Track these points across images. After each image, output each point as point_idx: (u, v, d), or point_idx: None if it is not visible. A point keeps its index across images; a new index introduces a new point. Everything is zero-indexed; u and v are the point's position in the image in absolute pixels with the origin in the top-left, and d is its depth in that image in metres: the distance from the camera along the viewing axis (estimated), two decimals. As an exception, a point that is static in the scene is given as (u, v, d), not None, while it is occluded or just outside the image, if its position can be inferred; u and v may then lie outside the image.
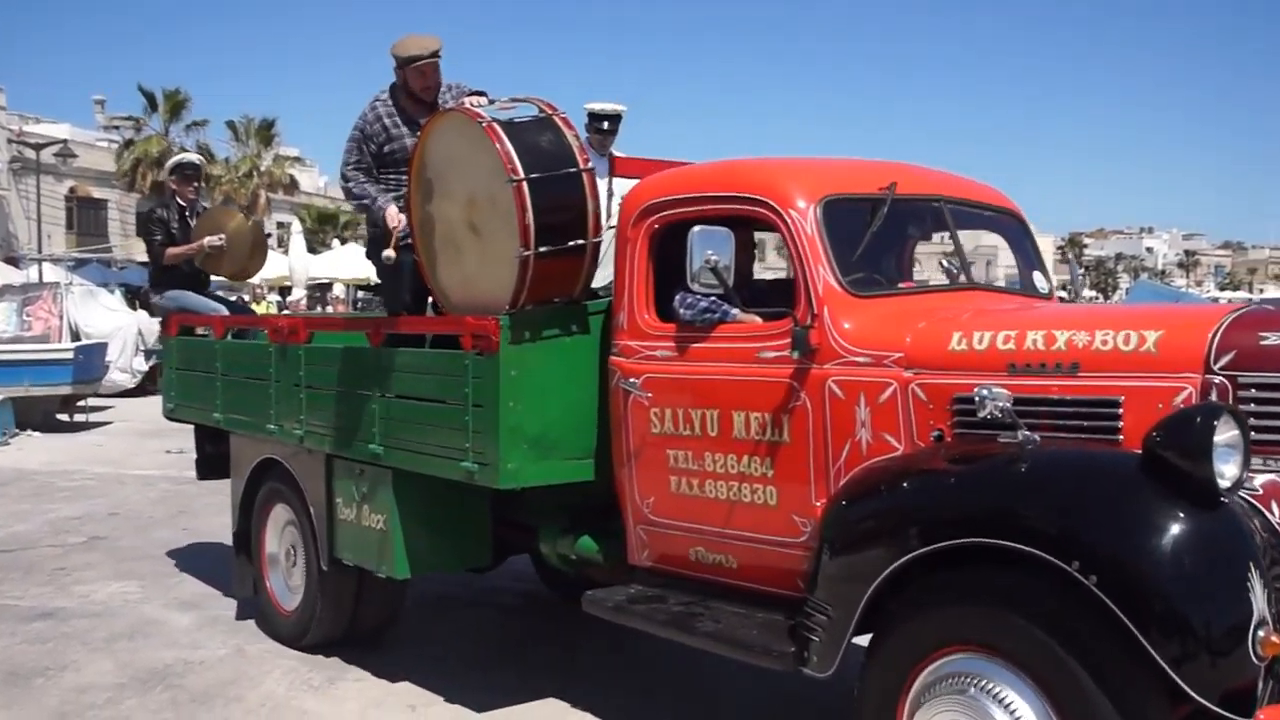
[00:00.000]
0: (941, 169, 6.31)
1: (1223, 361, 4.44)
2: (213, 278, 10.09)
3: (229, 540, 10.26)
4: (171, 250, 9.53)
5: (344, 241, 48.22)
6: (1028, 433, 4.49)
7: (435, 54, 7.10)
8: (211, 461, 9.28)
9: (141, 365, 24.74)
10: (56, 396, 20.99)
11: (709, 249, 5.16)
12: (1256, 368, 4.43)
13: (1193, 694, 3.86)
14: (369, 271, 39.80)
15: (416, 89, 7.19)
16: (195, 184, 10.12)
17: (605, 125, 8.13)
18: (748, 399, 5.43)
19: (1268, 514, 4.34)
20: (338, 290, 43.56)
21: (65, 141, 42.70)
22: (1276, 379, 4.43)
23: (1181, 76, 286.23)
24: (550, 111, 6.19)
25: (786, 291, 5.85)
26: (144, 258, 45.03)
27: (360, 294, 44.63)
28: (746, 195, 5.59)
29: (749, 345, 5.46)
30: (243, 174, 48.88)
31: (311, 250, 40.96)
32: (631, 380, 5.83)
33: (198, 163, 10.55)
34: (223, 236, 9.41)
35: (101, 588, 9.54)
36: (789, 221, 5.38)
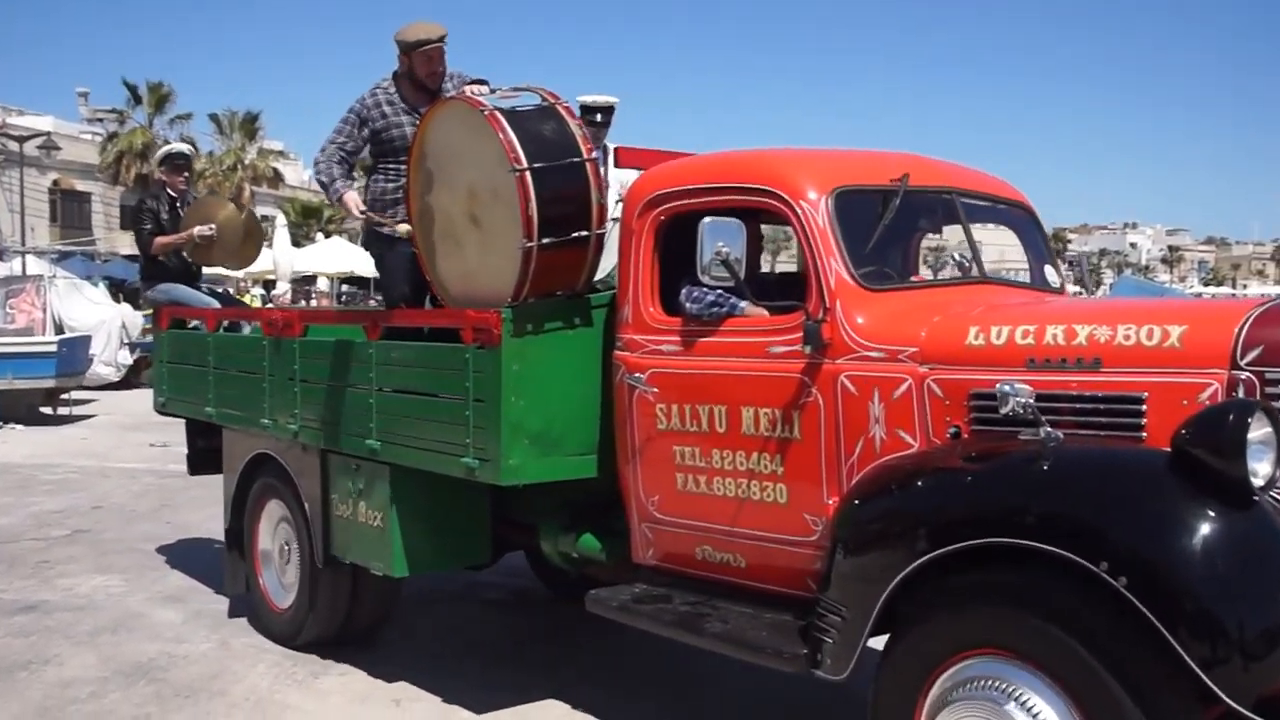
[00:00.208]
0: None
1: (1250, 357, 4.32)
2: (204, 270, 9.94)
3: (213, 534, 10.41)
4: (160, 240, 9.39)
5: (328, 235, 48.00)
6: (1050, 429, 4.37)
7: (442, 39, 6.96)
8: (203, 456, 9.12)
9: (125, 358, 24.70)
10: (40, 389, 20.92)
11: (720, 240, 5.04)
12: None
13: (1225, 698, 3.75)
14: (353, 265, 40.00)
15: (422, 74, 7.04)
16: (185, 174, 9.97)
17: (599, 118, 8.00)
18: (757, 394, 5.31)
19: None
20: (322, 284, 43.33)
21: (49, 134, 42.42)
22: None
23: (1166, 71, 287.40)
24: (553, 100, 6.06)
25: (792, 285, 5.75)
26: (128, 250, 45.11)
27: (345, 287, 44.48)
28: (755, 186, 5.47)
29: (758, 340, 5.34)
30: (226, 167, 48.69)
31: (296, 244, 40.72)
32: (636, 375, 5.71)
33: (188, 153, 10.40)
34: (213, 226, 9.29)
35: (85, 581, 9.48)
36: (800, 213, 5.27)
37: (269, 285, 38.49)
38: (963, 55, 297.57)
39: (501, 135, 5.75)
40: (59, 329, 21.68)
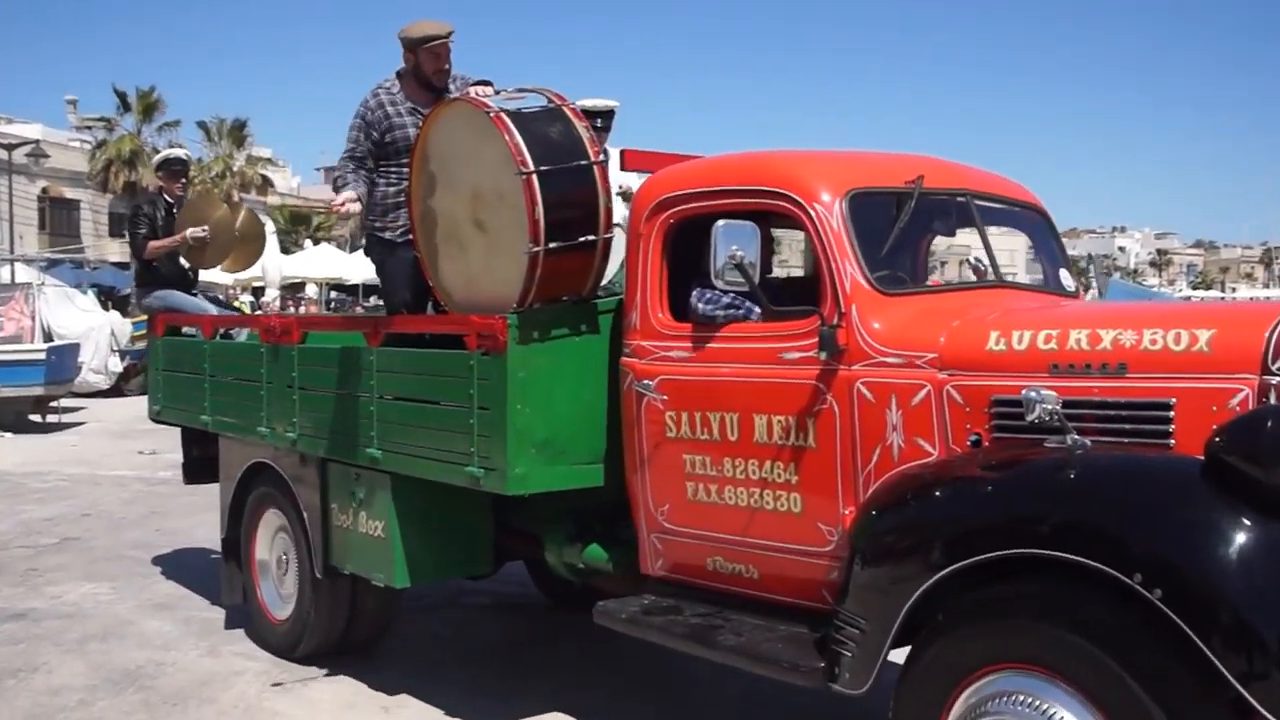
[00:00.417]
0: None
1: None
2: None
3: (202, 542, 10.62)
4: (153, 244, 9.28)
5: (316, 242, 47.91)
6: (1077, 437, 4.26)
7: (449, 35, 6.83)
8: (199, 465, 9.00)
9: (115, 366, 24.79)
10: (29, 397, 20.87)
11: (734, 244, 4.92)
12: None
13: (1265, 712, 3.63)
14: (341, 271, 39.92)
15: (429, 72, 6.91)
16: (183, 180, 9.86)
17: (598, 123, 7.88)
18: (770, 402, 5.19)
19: None
20: (310, 290, 43.26)
21: (38, 142, 42.24)
22: None
23: (1154, 75, 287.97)
24: (559, 102, 5.94)
25: (799, 290, 5.64)
26: (117, 258, 45.00)
27: (333, 294, 44.38)
28: (767, 189, 5.35)
29: (771, 346, 5.22)
30: (215, 174, 48.53)
31: (285, 251, 40.68)
32: (645, 382, 5.59)
33: (185, 158, 10.29)
34: (206, 228, 9.17)
35: (74, 589, 9.45)
36: (813, 216, 5.15)
37: (258, 292, 38.37)
38: (950, 57, 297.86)
39: (508, 137, 5.63)
40: (48, 336, 21.69)
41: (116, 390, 25.32)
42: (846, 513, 4.92)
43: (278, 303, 37.67)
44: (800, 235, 6.30)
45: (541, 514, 6.45)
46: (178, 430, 9.43)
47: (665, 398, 5.52)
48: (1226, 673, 3.64)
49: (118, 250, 47.80)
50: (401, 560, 6.46)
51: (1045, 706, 4.01)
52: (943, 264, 5.96)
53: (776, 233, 6.47)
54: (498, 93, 6.14)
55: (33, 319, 21.73)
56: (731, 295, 5.38)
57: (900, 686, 4.51)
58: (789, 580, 5.21)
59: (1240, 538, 3.76)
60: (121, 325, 26.00)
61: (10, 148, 40.11)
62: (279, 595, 7.75)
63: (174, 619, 8.54)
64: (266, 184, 53.65)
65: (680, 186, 5.66)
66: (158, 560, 10.45)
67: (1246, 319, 4.50)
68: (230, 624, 8.37)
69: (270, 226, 35.91)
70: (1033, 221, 6.19)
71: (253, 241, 9.85)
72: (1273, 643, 3.64)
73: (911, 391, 4.82)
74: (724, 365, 5.36)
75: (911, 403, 4.81)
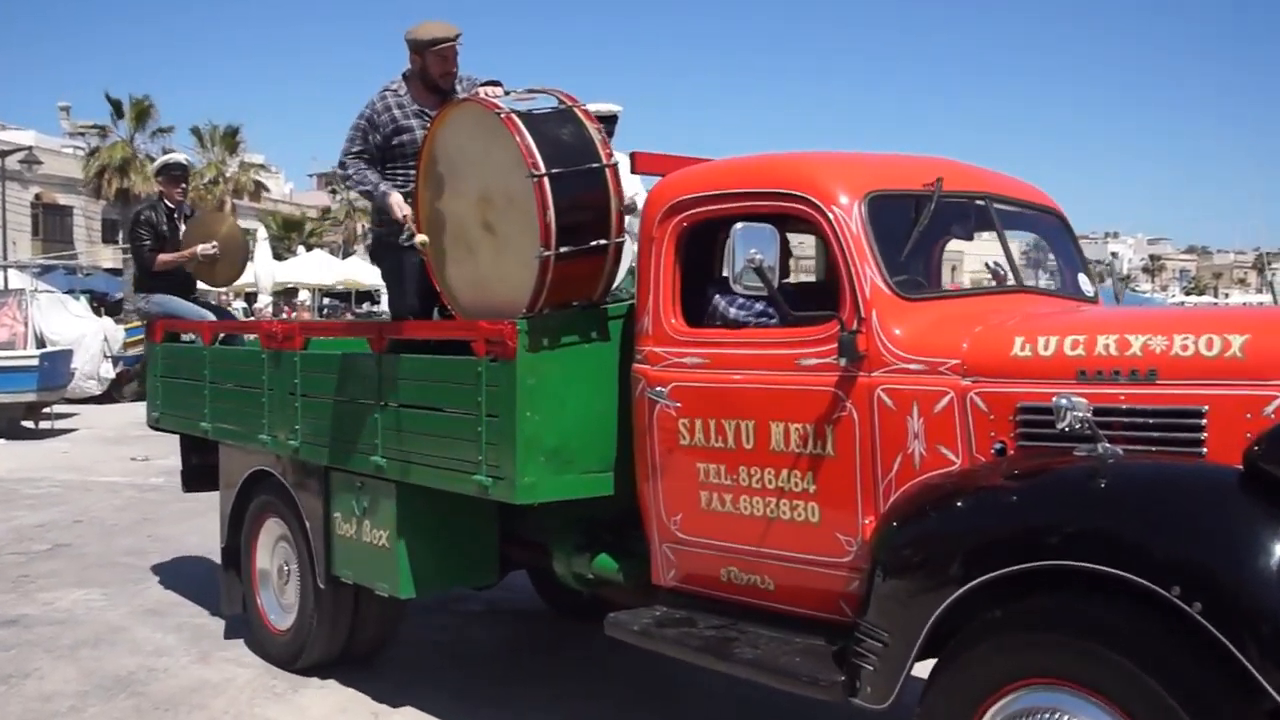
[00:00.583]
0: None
1: None
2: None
3: (194, 548, 10.76)
4: (163, 257, 9.19)
5: (309, 248, 47.79)
6: (1108, 445, 4.15)
7: (457, 38, 6.70)
8: (198, 473, 8.91)
9: (107, 372, 24.71)
10: (21, 403, 20.81)
11: (753, 247, 4.80)
12: None
13: None
14: (334, 278, 39.80)
15: (435, 75, 6.76)
16: (182, 185, 9.74)
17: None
18: (787, 409, 5.07)
19: None
20: (303, 296, 43.10)
21: (30, 148, 42.11)
22: None
23: (1147, 80, 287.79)
24: (570, 103, 5.83)
25: (812, 296, 5.53)
26: (110, 264, 44.73)
27: (326, 300, 44.23)
28: (784, 191, 5.23)
29: (788, 352, 5.09)
30: (208, 180, 48.36)
31: (277, 257, 40.52)
32: (658, 389, 5.47)
33: (185, 163, 10.17)
34: (216, 244, 9.07)
35: (65, 595, 9.42)
36: (832, 219, 5.03)
37: (250, 298, 38.22)
38: (942, 60, 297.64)
39: (518, 139, 5.52)
40: (40, 343, 21.57)
41: (109, 396, 25.31)
42: (866, 523, 4.81)
43: (270, 309, 37.56)
44: (807, 239, 6.24)
45: (548, 523, 6.33)
46: (170, 437, 9.41)
47: (679, 405, 5.40)
48: (1268, 685, 3.53)
49: (110, 256, 47.74)
50: (406, 570, 6.35)
51: (1077, 723, 3.89)
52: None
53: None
54: (507, 93, 6.03)
55: (25, 325, 21.61)
56: (764, 301, 5.26)
57: (925, 701, 4.39)
58: (806, 592, 5.09)
59: None
60: (114, 331, 25.96)
61: (3, 154, 40.05)
62: (280, 605, 7.64)
63: (165, 625, 8.53)
64: (260, 189, 53.48)
65: (694, 189, 5.54)
66: (149, 567, 10.44)
67: None
68: (222, 631, 8.34)
69: (263, 233, 35.83)
70: (1050, 225, 6.08)
71: (240, 258, 9.74)
72: None
73: (934, 399, 4.70)
74: (739, 372, 5.25)
75: (934, 410, 4.70)
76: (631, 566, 5.92)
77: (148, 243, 9.21)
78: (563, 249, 5.50)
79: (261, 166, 55.95)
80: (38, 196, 49.55)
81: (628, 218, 5.97)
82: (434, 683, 7.19)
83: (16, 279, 29.71)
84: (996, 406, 4.59)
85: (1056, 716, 3.95)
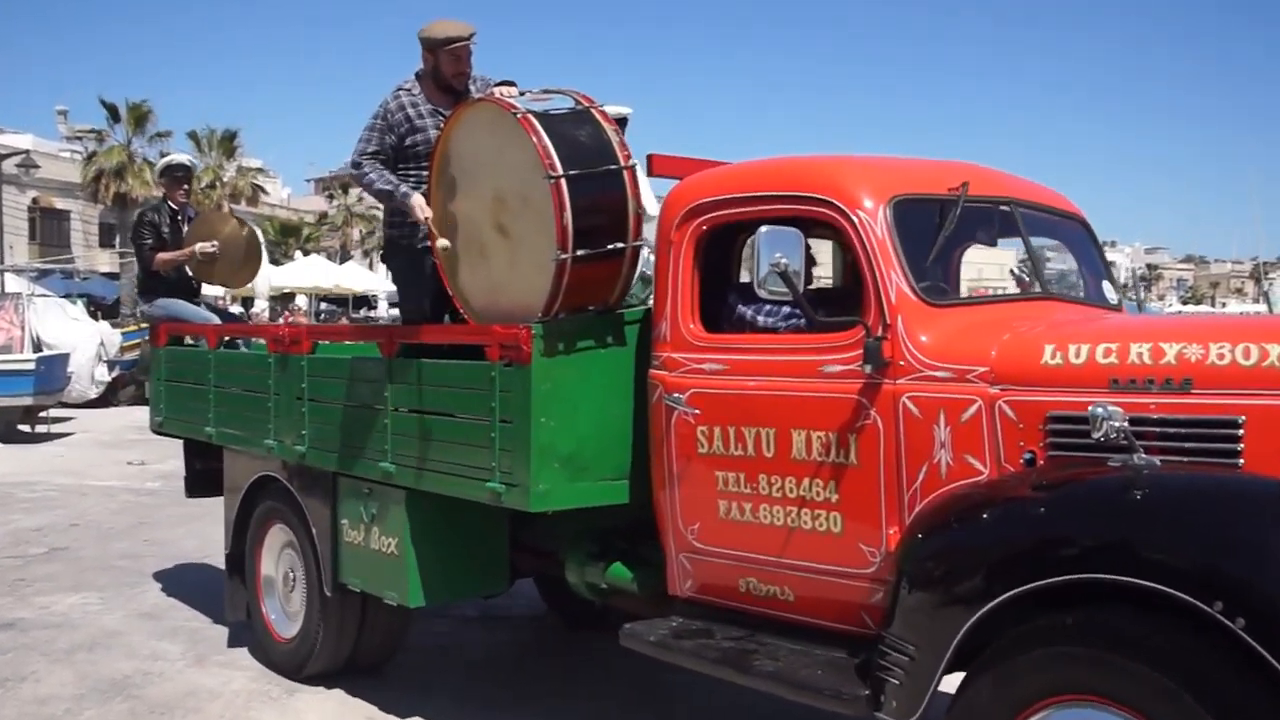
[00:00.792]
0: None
1: None
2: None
3: (190, 552, 10.83)
4: (162, 256, 9.08)
5: (306, 253, 47.65)
6: (1145, 455, 4.05)
7: (471, 37, 6.59)
8: (202, 478, 8.77)
9: (104, 376, 24.64)
10: (18, 407, 20.80)
11: (777, 251, 4.69)
12: None
13: None
14: (331, 282, 39.69)
15: (448, 74, 6.63)
16: (185, 186, 9.62)
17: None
18: (809, 417, 4.96)
19: None
20: (300, 301, 43.03)
21: (28, 152, 41.96)
22: None
23: (1144, 88, 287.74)
24: (587, 104, 5.73)
25: (830, 301, 5.43)
26: (107, 268, 44.54)
27: (323, 305, 44.13)
28: (807, 195, 5.12)
29: (811, 358, 4.99)
30: (205, 185, 48.23)
31: (274, 261, 40.47)
32: (676, 395, 5.37)
33: (188, 164, 10.04)
34: (216, 243, 8.97)
35: (62, 599, 9.43)
36: (856, 223, 4.93)
37: (247, 303, 38.14)
38: (936, 66, 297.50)
39: (535, 139, 5.42)
40: (37, 347, 21.49)
41: (105, 400, 25.35)
42: (890, 533, 4.72)
43: (267, 314, 37.47)
44: (821, 244, 6.14)
45: (558, 531, 6.23)
46: (167, 441, 9.38)
47: (697, 412, 5.30)
48: None
49: (108, 261, 47.60)
50: (416, 579, 6.24)
51: (1114, 741, 3.79)
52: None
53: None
54: (522, 93, 5.92)
55: (22, 329, 21.59)
56: (790, 306, 5.16)
57: (952, 717, 4.28)
58: (827, 603, 4.99)
59: None
60: (111, 336, 25.90)
61: (1, 158, 39.91)
62: (285, 613, 7.54)
63: (162, 630, 8.51)
64: (259, 193, 53.34)
65: (714, 192, 5.44)
66: (146, 571, 10.42)
67: None
68: (218, 635, 8.31)
69: (260, 237, 35.75)
70: (1074, 232, 5.98)
71: (253, 260, 9.64)
72: None
73: (961, 407, 4.60)
74: (760, 378, 5.15)
75: (961, 419, 4.60)
76: (646, 576, 5.82)
77: (149, 242, 9.11)
78: (580, 252, 5.40)
79: (259, 170, 55.80)
80: (35, 200, 49.47)
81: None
82: (430, 687, 7.18)
83: (13, 283, 29.62)
84: (1026, 415, 4.49)
85: (1093, 734, 3.84)
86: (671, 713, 6.90)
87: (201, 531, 11.59)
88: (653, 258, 5.86)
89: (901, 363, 4.74)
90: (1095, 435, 4.06)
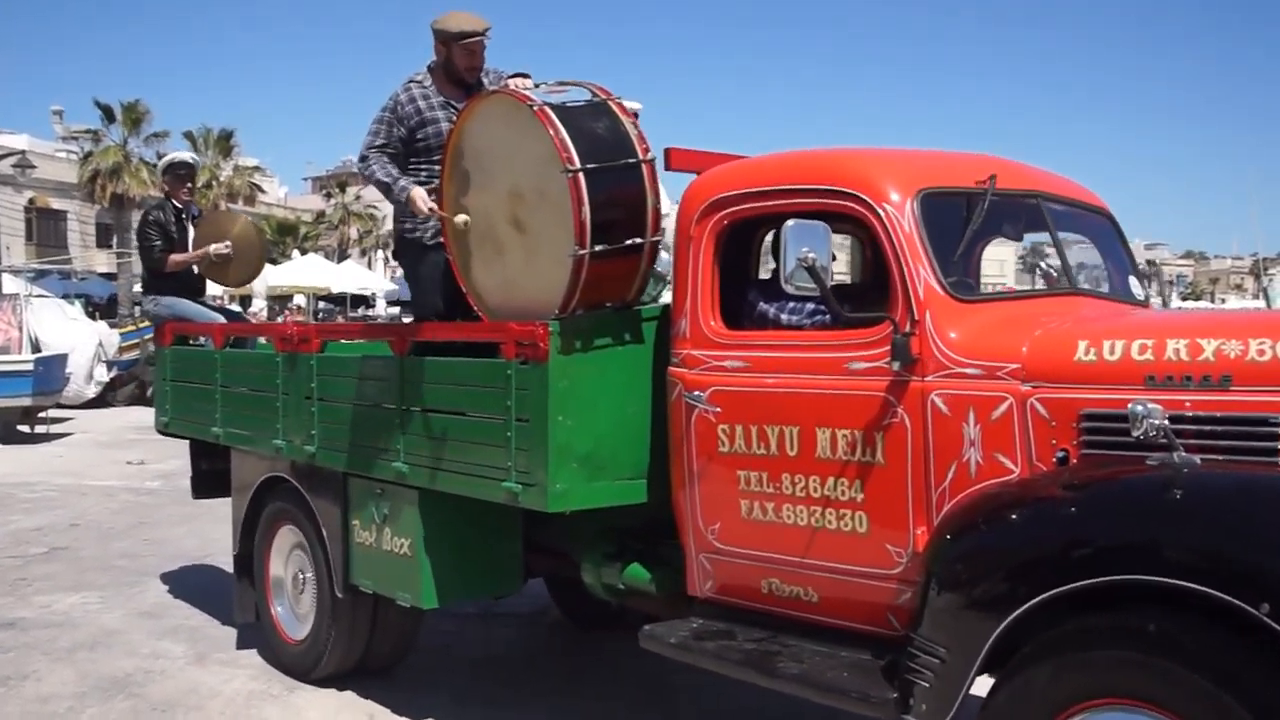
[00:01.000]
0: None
1: None
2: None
3: (190, 551, 10.85)
4: (175, 258, 8.98)
5: (304, 252, 47.57)
6: (1184, 454, 3.96)
7: (486, 31, 6.48)
8: (208, 479, 8.64)
9: (102, 376, 24.62)
10: (17, 408, 20.72)
11: (804, 245, 4.59)
12: None
13: None
14: (329, 282, 39.59)
15: (461, 68, 6.53)
16: (189, 184, 9.50)
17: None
18: (834, 415, 4.87)
19: None
20: (298, 300, 42.93)
21: (24, 152, 41.95)
22: None
23: (1144, 83, 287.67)
24: (605, 96, 5.63)
25: (850, 298, 5.34)
26: (105, 269, 44.34)
27: (321, 304, 44.02)
28: (832, 188, 5.01)
29: (836, 355, 4.89)
30: (202, 184, 48.18)
31: (272, 261, 40.38)
32: (696, 393, 5.27)
33: (191, 161, 9.92)
34: (229, 244, 8.87)
35: (62, 598, 9.42)
36: (883, 217, 4.83)
37: (244, 302, 38.06)
38: (932, 61, 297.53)
39: (552, 132, 5.31)
40: (35, 347, 21.43)
41: (103, 401, 25.29)
42: (918, 533, 4.62)
43: (265, 313, 37.39)
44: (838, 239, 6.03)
45: (572, 531, 6.13)
46: (165, 441, 9.35)
47: (718, 410, 5.21)
48: None
49: (105, 261, 47.50)
50: (429, 579, 6.16)
51: (1154, 747, 3.70)
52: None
53: None
54: (537, 85, 5.82)
55: (20, 330, 21.53)
56: (815, 302, 5.07)
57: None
58: (852, 604, 4.90)
59: None
60: (109, 336, 25.83)
61: (-4, 158, 39.91)
62: (295, 615, 7.45)
63: (162, 628, 8.49)
64: (256, 192, 53.27)
65: (735, 186, 5.34)
66: (146, 570, 10.40)
67: None
68: (218, 634, 8.31)
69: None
70: (1100, 226, 5.88)
71: (260, 258, 9.57)
72: None
73: (992, 404, 4.51)
74: (784, 376, 5.05)
75: (991, 416, 4.50)
76: (664, 576, 5.73)
77: (157, 243, 9.00)
78: (597, 247, 5.30)
79: (257, 169, 55.74)
80: (31, 201, 49.45)
81: None
82: (431, 686, 7.15)
83: (10, 284, 29.51)
84: (1059, 413, 4.39)
85: (1130, 739, 3.75)
86: (680, 714, 6.85)
87: (201, 531, 11.60)
88: (664, 255, 5.78)
89: (930, 360, 4.64)
90: (1135, 434, 3.96)
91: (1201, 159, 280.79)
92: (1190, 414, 4.15)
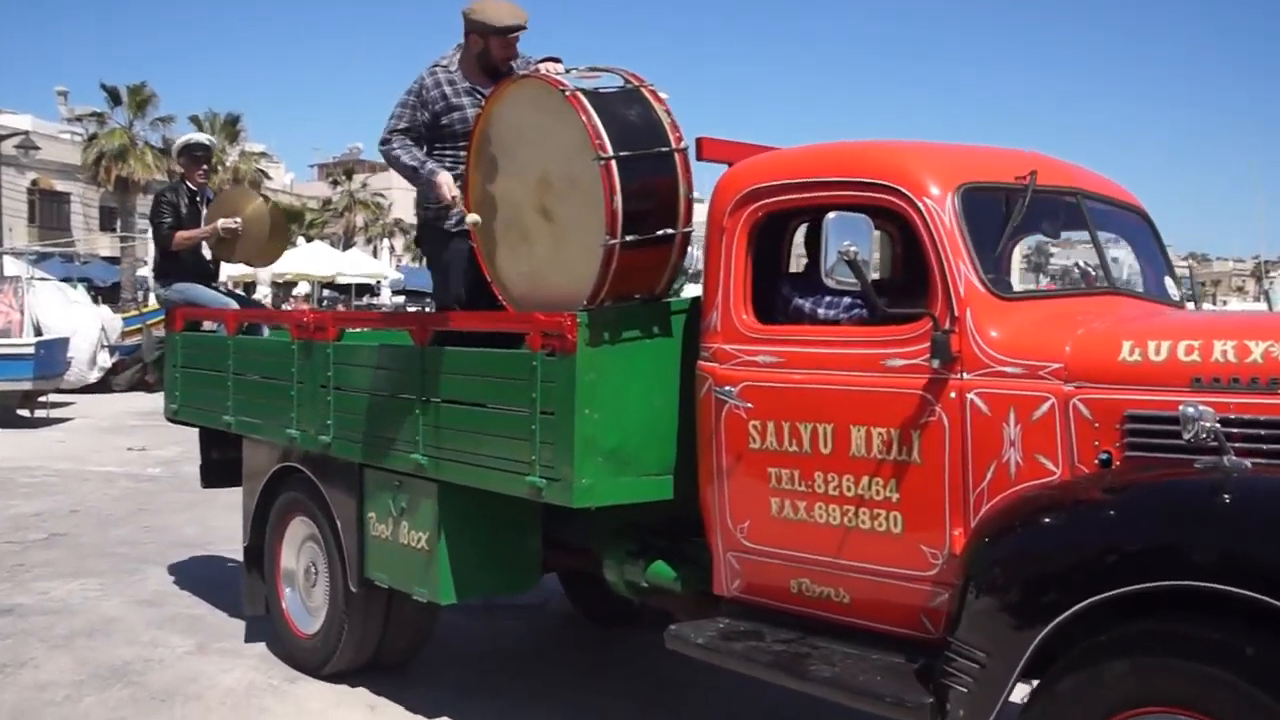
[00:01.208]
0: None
1: None
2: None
3: (190, 538, 10.80)
4: (181, 234, 8.86)
5: (310, 239, 47.46)
6: (1235, 458, 3.85)
7: (525, 25, 6.37)
8: (218, 468, 8.53)
9: (104, 361, 24.49)
10: (17, 392, 20.66)
11: (846, 238, 4.48)
12: None
13: None
14: (335, 269, 39.47)
15: (498, 59, 6.39)
16: (204, 166, 9.38)
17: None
18: (870, 413, 4.76)
19: None
20: (303, 287, 42.81)
21: (27, 133, 41.73)
22: None
23: (1146, 84, 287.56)
24: (638, 82, 5.50)
25: (883, 293, 5.23)
26: (108, 252, 44.25)
27: (325, 292, 43.93)
28: (871, 181, 4.90)
29: (873, 351, 4.79)
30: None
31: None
32: (727, 389, 5.16)
33: (208, 143, 9.82)
34: (238, 220, 8.75)
35: (61, 585, 9.38)
36: (923, 211, 4.72)
37: (249, 288, 37.95)
38: (933, 57, 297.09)
39: (584, 118, 5.19)
40: (37, 331, 21.35)
41: (105, 386, 25.19)
42: (955, 534, 4.52)
43: (270, 300, 37.28)
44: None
45: (593, 526, 6.01)
46: (167, 427, 9.28)
47: (750, 405, 5.10)
48: None
49: (108, 244, 47.40)
50: (447, 575, 6.04)
51: (1202, 756, 3.60)
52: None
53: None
54: (568, 70, 5.69)
55: (21, 313, 21.44)
56: (851, 296, 4.96)
57: (1025, 728, 4.09)
58: (885, 606, 4.79)
59: None
60: (111, 320, 25.70)
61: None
62: (306, 608, 7.33)
63: (162, 616, 8.46)
64: (263, 176, 53.15)
65: (769, 177, 5.23)
66: (146, 557, 10.36)
67: None
68: (218, 622, 8.28)
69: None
70: (1137, 225, 5.79)
71: (280, 237, 9.45)
72: None
73: (1033, 404, 4.40)
74: (818, 371, 4.94)
75: (1032, 417, 4.40)
76: (690, 575, 5.63)
77: (168, 221, 8.88)
78: (628, 237, 5.18)
79: (263, 155, 55.64)
80: (35, 182, 49.34)
81: None
82: (432, 678, 7.10)
83: (12, 266, 29.38)
84: (1102, 414, 4.29)
85: (1180, 749, 3.65)
86: (692, 712, 6.76)
87: (202, 518, 11.56)
88: (691, 249, 5.67)
89: (970, 358, 4.54)
90: (1186, 436, 3.87)
91: (1205, 159, 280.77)
92: (1240, 417, 4.05)
